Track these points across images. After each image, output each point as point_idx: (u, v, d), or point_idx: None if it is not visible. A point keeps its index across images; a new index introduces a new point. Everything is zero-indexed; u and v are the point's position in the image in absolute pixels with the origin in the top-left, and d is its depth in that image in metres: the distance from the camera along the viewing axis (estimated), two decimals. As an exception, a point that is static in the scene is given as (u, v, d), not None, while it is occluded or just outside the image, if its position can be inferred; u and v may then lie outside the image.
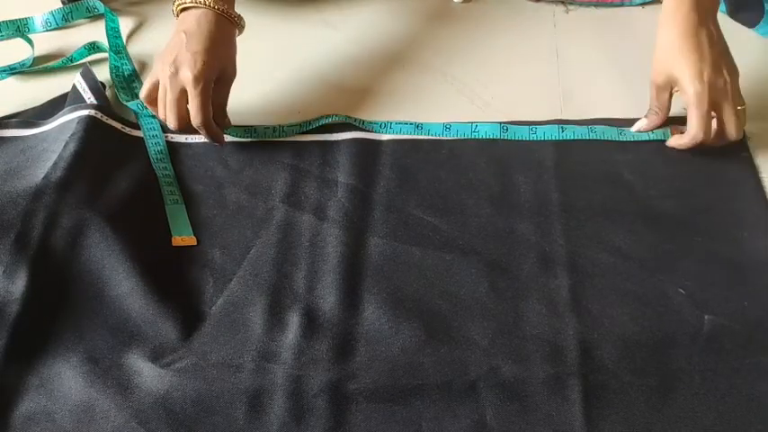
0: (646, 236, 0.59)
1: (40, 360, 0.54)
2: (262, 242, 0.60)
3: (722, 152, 0.63)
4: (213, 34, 0.62)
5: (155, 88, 0.64)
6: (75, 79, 0.71)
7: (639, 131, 0.65)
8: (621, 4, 0.78)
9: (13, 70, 0.76)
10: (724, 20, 0.74)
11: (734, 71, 0.61)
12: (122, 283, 0.57)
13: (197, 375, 0.53)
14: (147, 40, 0.78)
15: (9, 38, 0.78)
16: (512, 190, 0.62)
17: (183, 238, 0.61)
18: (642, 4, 0.77)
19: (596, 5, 0.78)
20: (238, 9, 0.65)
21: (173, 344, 0.54)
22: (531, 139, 0.66)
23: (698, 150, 0.63)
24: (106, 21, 0.77)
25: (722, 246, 0.58)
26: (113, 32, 0.77)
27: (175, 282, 0.58)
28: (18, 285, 0.56)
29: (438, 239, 0.60)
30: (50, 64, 0.76)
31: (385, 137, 0.67)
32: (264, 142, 0.67)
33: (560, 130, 0.66)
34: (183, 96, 0.62)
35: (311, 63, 0.74)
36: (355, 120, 0.68)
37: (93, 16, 0.80)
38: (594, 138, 0.65)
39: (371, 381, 0.52)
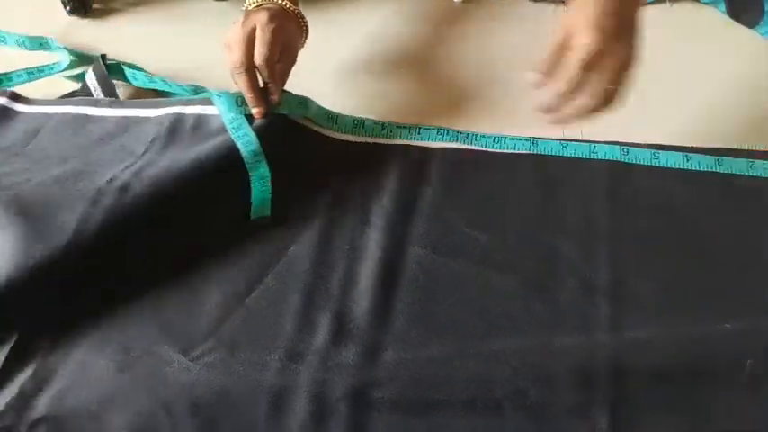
0: (694, 271, 0.56)
1: (78, 348, 0.55)
2: (303, 239, 0.60)
3: None
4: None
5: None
6: (87, 77, 0.72)
7: None
8: (621, 4, 0.78)
9: (43, 73, 0.76)
10: (724, 20, 0.75)
11: None
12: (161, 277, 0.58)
13: (224, 371, 0.53)
14: (149, 40, 0.79)
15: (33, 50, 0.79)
16: (560, 210, 0.61)
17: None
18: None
19: (596, 6, 0.78)
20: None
21: (203, 335, 0.55)
22: (653, 164, 0.63)
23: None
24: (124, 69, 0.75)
25: None
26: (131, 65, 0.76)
27: (211, 272, 0.59)
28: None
29: (478, 254, 0.58)
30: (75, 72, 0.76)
31: (435, 145, 0.66)
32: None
33: (685, 159, 0.63)
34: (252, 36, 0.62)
35: (310, 63, 0.74)
36: (462, 133, 0.66)
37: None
38: (722, 171, 0.62)
39: (396, 391, 0.51)
